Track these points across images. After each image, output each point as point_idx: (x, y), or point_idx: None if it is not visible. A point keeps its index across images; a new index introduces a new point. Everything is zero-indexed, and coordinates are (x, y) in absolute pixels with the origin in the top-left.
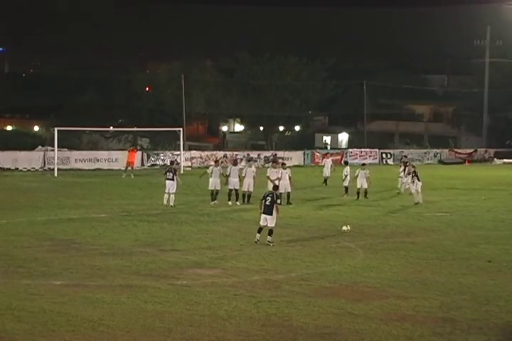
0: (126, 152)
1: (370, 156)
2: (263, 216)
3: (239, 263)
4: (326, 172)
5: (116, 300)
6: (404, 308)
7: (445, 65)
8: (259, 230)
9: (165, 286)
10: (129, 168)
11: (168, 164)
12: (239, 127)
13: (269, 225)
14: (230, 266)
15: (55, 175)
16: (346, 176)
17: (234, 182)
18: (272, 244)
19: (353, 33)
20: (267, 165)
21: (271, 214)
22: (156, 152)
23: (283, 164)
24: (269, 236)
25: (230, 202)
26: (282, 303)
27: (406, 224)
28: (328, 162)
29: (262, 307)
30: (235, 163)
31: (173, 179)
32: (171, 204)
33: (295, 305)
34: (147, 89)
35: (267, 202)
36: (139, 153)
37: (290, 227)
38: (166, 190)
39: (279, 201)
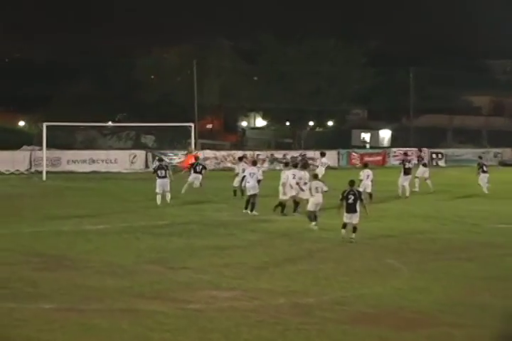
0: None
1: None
2: (347, 214)
3: (261, 284)
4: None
5: (116, 326)
6: (458, 338)
7: (508, 47)
8: (344, 226)
9: (174, 311)
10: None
11: (158, 162)
12: (261, 122)
13: (353, 222)
14: (250, 287)
15: (44, 178)
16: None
17: (250, 186)
18: (354, 241)
19: (398, 11)
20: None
21: (355, 211)
22: (162, 151)
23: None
24: (353, 234)
25: (244, 211)
26: (313, 332)
27: (461, 237)
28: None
29: (289, 336)
30: (253, 163)
31: (166, 176)
32: (168, 200)
33: (327, 333)
34: (152, 77)
35: (350, 201)
36: (143, 153)
37: (322, 241)
38: (158, 190)
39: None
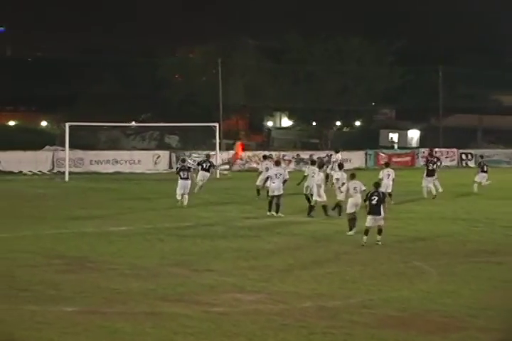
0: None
1: (447, 157)
2: (370, 217)
3: (287, 287)
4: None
5: (140, 330)
6: None
7: None
8: (366, 232)
9: (198, 314)
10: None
11: (181, 163)
12: (287, 122)
13: (377, 223)
14: (276, 289)
15: (66, 179)
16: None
17: (275, 187)
18: (380, 243)
19: (427, 8)
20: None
21: (379, 214)
22: (187, 152)
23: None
24: (378, 236)
25: (268, 213)
26: (339, 336)
27: (491, 240)
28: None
29: (315, 339)
30: (277, 163)
31: (188, 178)
32: (185, 203)
33: (354, 337)
34: (177, 76)
35: (373, 202)
36: (166, 153)
37: (348, 243)
38: (179, 191)
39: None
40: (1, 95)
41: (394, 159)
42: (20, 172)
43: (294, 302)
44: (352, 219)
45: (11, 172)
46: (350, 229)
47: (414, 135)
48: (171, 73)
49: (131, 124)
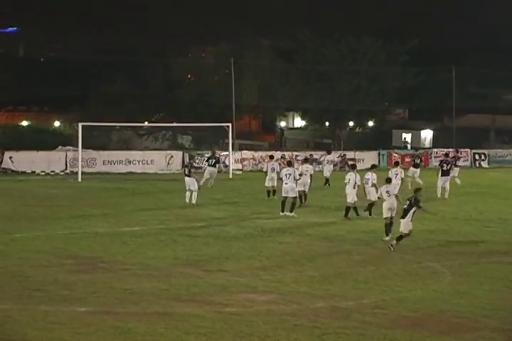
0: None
1: (459, 157)
2: (401, 220)
3: (300, 287)
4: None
5: (152, 330)
6: None
7: None
8: (387, 232)
9: (210, 314)
10: None
11: (187, 160)
12: (300, 122)
13: (400, 229)
14: (288, 290)
15: (79, 179)
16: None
17: (287, 188)
18: (392, 248)
19: (439, 8)
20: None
21: (403, 217)
22: (199, 152)
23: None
24: (395, 241)
25: (281, 213)
26: (352, 336)
27: (504, 240)
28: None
29: (328, 340)
30: (289, 163)
31: (189, 175)
32: (193, 202)
33: (368, 338)
34: (189, 76)
35: (405, 206)
36: (179, 153)
37: (362, 244)
38: (187, 187)
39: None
40: (14, 95)
41: (407, 159)
42: (33, 172)
43: (307, 303)
44: (387, 224)
45: (23, 173)
46: (387, 235)
47: (427, 135)
48: (183, 73)
49: (143, 124)
